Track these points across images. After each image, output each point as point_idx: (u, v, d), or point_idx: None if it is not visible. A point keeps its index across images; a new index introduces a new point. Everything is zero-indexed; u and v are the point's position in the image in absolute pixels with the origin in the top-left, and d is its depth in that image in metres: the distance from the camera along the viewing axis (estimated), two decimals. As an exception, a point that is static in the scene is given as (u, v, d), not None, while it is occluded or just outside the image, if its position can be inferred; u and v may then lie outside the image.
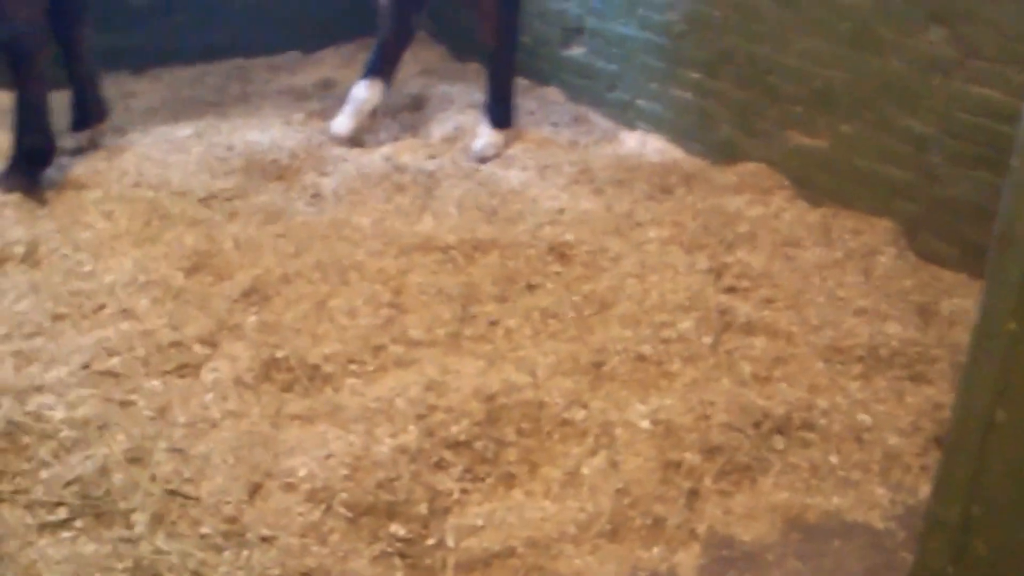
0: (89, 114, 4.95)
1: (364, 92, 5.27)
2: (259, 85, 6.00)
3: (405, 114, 5.69)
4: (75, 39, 4.79)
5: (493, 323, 3.75)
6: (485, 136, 5.17)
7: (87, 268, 3.94)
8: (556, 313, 3.80)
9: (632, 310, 3.81)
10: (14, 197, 4.39)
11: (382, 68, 5.33)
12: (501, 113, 5.21)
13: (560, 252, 4.17)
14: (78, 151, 4.91)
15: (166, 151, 4.94)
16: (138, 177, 4.64)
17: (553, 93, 6.01)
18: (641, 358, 3.57)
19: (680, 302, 3.84)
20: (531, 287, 3.97)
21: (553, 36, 5.95)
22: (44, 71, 4.46)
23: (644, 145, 5.39)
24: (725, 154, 5.09)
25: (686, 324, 3.73)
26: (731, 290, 4.01)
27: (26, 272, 3.91)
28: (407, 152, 5.14)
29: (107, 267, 3.94)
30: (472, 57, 6.33)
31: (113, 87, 5.70)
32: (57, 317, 3.68)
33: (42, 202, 4.42)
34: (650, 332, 3.68)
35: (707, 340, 3.67)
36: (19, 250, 4.01)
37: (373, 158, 5.04)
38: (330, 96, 5.81)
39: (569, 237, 4.25)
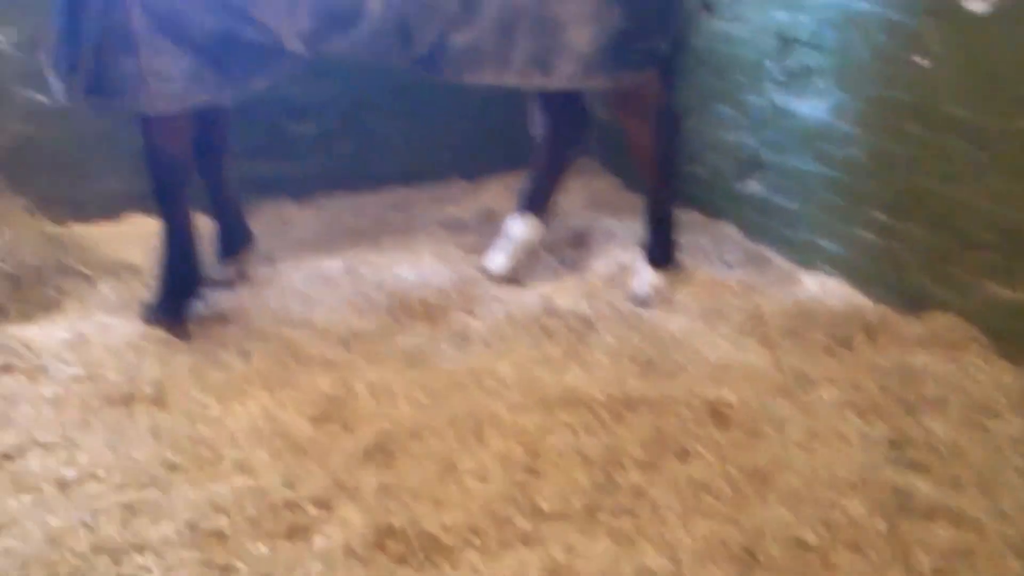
0: (235, 243, 4.83)
1: (519, 228, 5.02)
2: (418, 216, 5.81)
3: (566, 249, 5.40)
4: (218, 168, 4.68)
5: (636, 495, 3.36)
6: (645, 277, 4.83)
7: (212, 413, 3.75)
8: (709, 486, 3.40)
9: (795, 486, 3.38)
10: (156, 331, 4.25)
11: (537, 202, 5.08)
12: (663, 252, 4.87)
13: (719, 413, 3.77)
14: (225, 282, 4.77)
15: (313, 285, 4.77)
16: (281, 313, 4.48)
17: (728, 229, 5.63)
18: (802, 545, 3.14)
19: (851, 479, 3.39)
20: (683, 454, 3.58)
21: (727, 169, 5.60)
22: (189, 202, 4.35)
23: (824, 289, 4.95)
24: (912, 303, 4.62)
25: (856, 505, 3.28)
26: (912, 466, 3.53)
27: (151, 414, 3.75)
28: (563, 292, 4.84)
29: (233, 412, 3.74)
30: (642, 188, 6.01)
31: (272, 215, 5.63)
32: (173, 467, 3.49)
33: (183, 336, 4.28)
34: (814, 514, 3.25)
35: (880, 526, 3.21)
36: (148, 390, 3.86)
37: (526, 298, 4.76)
38: (489, 228, 5.56)
39: (730, 396, 3.85)
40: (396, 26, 4.13)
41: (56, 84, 4.03)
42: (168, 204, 4.35)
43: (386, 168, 6.05)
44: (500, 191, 6.21)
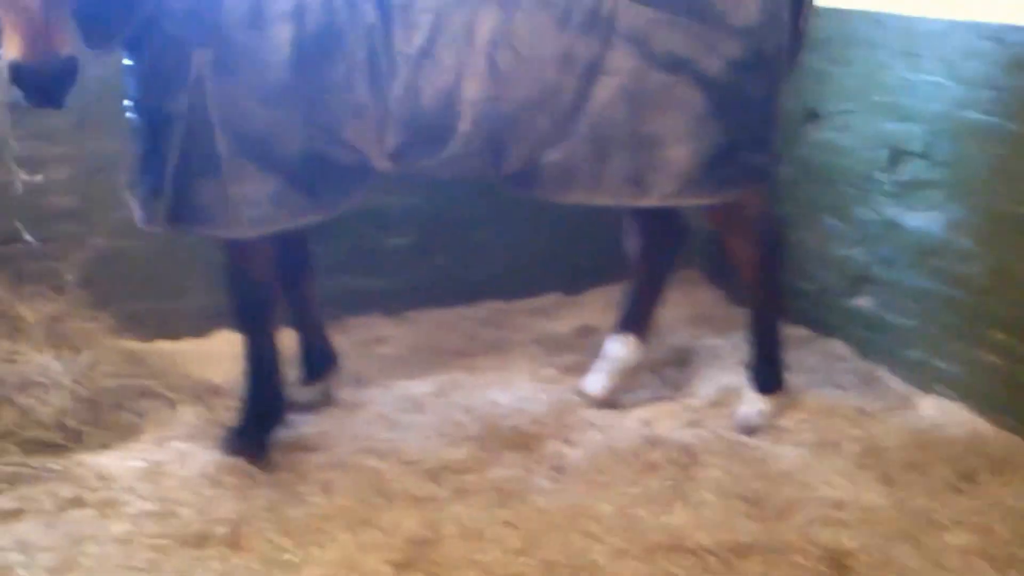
0: (320, 365, 4.67)
1: (618, 349, 4.78)
2: (513, 332, 5.61)
3: (668, 369, 5.14)
4: (302, 288, 4.55)
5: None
6: (751, 403, 4.54)
7: (287, 556, 3.54)
8: (827, 650, 3.09)
9: (925, 652, 3.06)
10: (235, 462, 4.08)
11: (635, 321, 4.84)
12: (769, 376, 4.58)
13: (837, 562, 3.48)
14: (309, 406, 4.60)
15: (402, 410, 4.59)
16: (366, 441, 4.29)
17: (838, 347, 5.33)
18: None
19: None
20: (799, 610, 3.28)
21: (837, 284, 5.32)
22: (273, 325, 4.20)
23: (943, 415, 4.62)
24: (1041, 432, 4.29)
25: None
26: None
27: (224, 558, 3.55)
28: (665, 418, 4.58)
29: (311, 557, 3.53)
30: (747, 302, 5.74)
31: (363, 331, 5.49)
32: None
33: (263, 467, 4.09)
34: None
35: None
36: (223, 530, 3.67)
37: (626, 424, 4.52)
38: (588, 345, 5.34)
39: (849, 542, 3.55)
40: (487, 144, 3.97)
41: (137, 209, 3.92)
42: (251, 328, 4.19)
43: (480, 281, 5.87)
44: (599, 305, 5.98)
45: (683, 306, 5.76)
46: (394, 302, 5.70)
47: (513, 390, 4.79)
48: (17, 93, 3.34)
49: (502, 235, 5.85)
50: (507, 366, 5.13)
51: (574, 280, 6.08)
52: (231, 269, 4.10)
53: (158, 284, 5.22)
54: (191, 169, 3.78)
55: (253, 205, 3.83)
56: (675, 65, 3.93)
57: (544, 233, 5.89)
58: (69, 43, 3.31)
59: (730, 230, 4.45)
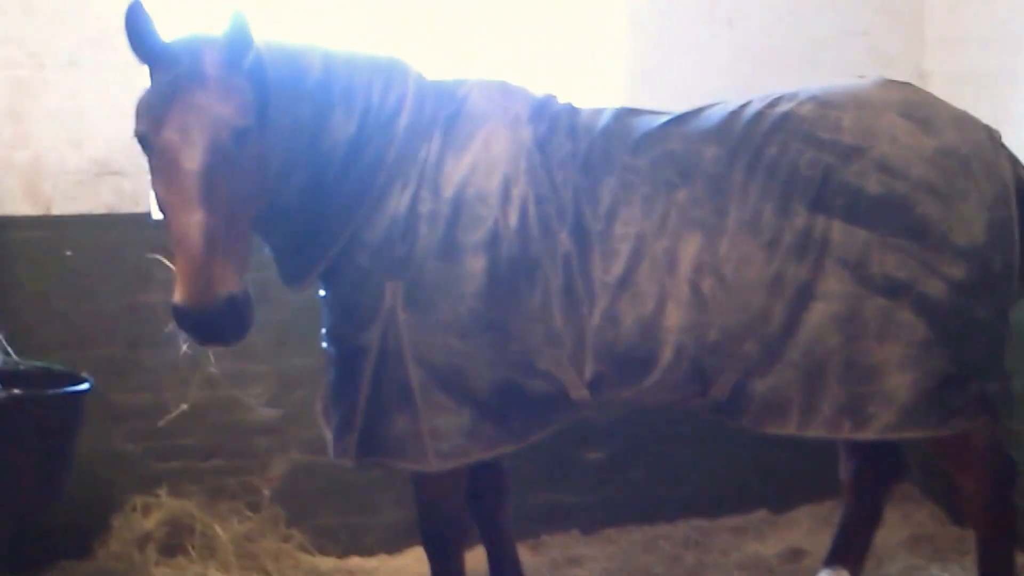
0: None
1: (829, 583, 4.42)
2: (718, 555, 5.28)
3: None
4: (495, 514, 4.36)
5: None
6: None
7: None
8: None
9: None
10: None
11: (848, 552, 4.48)
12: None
13: None
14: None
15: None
16: None
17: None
18: None
19: None
20: None
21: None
22: (462, 564, 4.03)
23: None
24: None
25: None
26: None
27: None
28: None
29: None
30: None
31: (558, 550, 5.28)
32: None
33: None
34: None
35: None
36: None
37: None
38: (796, 573, 4.98)
39: None
40: (691, 372, 3.76)
41: (329, 440, 3.85)
42: (441, 558, 4.03)
43: (681, 498, 5.59)
44: (808, 524, 5.63)
45: (899, 526, 5.35)
46: (591, 519, 5.47)
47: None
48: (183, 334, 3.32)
49: (703, 449, 5.57)
50: (710, 596, 4.81)
51: (781, 497, 5.73)
52: (422, 501, 3.97)
53: (351, 499, 5.16)
54: (383, 402, 3.70)
55: (445, 438, 3.71)
56: (894, 289, 3.67)
57: (748, 446, 5.56)
58: (232, 283, 3.24)
59: (956, 463, 4.08)
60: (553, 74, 5.42)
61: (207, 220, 3.20)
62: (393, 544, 5.20)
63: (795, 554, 5.26)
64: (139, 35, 3.33)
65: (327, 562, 5.00)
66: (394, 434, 3.72)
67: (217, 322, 3.24)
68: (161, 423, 4.79)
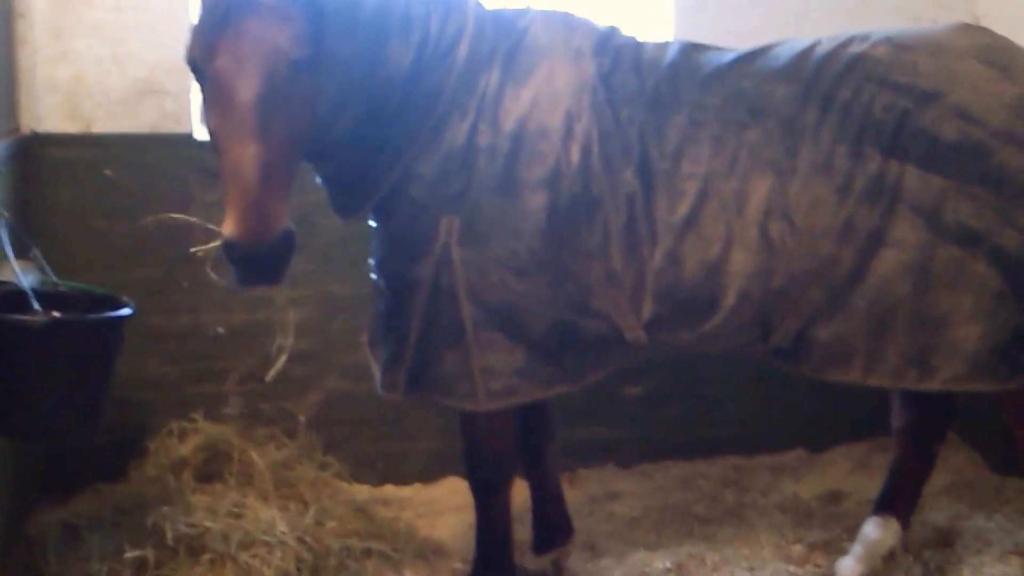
0: (553, 536, 4.36)
1: (876, 532, 4.34)
2: (756, 495, 5.21)
3: (928, 551, 4.64)
4: (541, 458, 4.27)
5: None
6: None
7: None
8: None
9: None
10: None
11: (898, 503, 4.41)
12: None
13: None
14: None
15: (637, 593, 4.25)
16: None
17: None
18: None
19: None
20: None
21: None
22: (508, 501, 3.96)
23: None
24: None
25: None
26: None
27: None
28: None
29: None
30: (1016, 471, 5.20)
31: (597, 485, 5.23)
32: None
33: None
34: None
35: None
36: None
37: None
38: (838, 518, 4.91)
39: None
40: (754, 317, 3.66)
41: (377, 373, 3.76)
42: (486, 500, 3.97)
43: (720, 435, 5.53)
44: (847, 465, 5.56)
45: (940, 472, 5.21)
46: (628, 454, 5.42)
47: (760, 571, 4.38)
48: (231, 273, 3.18)
49: (743, 387, 5.50)
50: (751, 537, 4.72)
51: (819, 436, 5.66)
52: (469, 442, 3.89)
53: (389, 428, 5.09)
54: (434, 338, 3.61)
55: (497, 377, 3.62)
56: (967, 239, 3.54)
57: (787, 385, 5.45)
58: (286, 218, 3.14)
59: (1018, 418, 3.98)
60: (605, 3, 5.25)
61: (262, 153, 3.08)
62: (429, 474, 5.16)
63: (835, 496, 5.21)
64: None
65: (363, 490, 4.96)
66: (444, 371, 3.64)
67: (271, 258, 3.13)
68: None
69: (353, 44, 3.44)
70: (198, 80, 3.24)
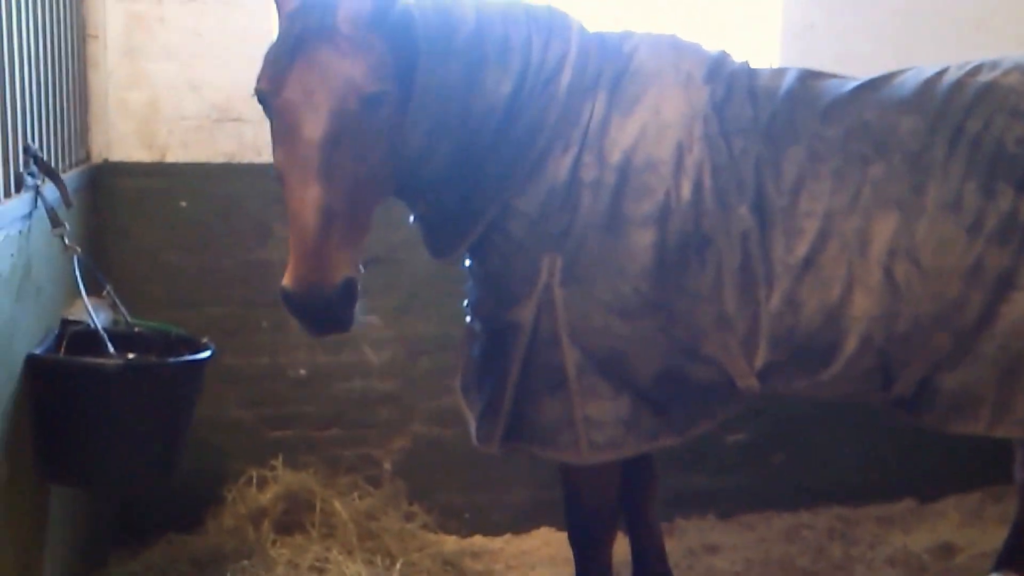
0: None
1: (1000, 588, 4.04)
2: (864, 548, 4.91)
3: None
4: (644, 511, 4.01)
5: None
6: None
7: None
8: None
9: None
10: None
11: (1020, 559, 4.10)
12: None
13: None
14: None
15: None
16: None
17: None
18: None
19: None
20: None
21: None
22: (610, 557, 3.70)
23: None
24: None
25: None
26: None
27: None
28: None
29: None
30: None
31: (695, 537, 4.98)
32: None
33: None
34: None
35: None
36: None
37: None
38: (951, 573, 4.60)
39: None
40: (876, 364, 3.39)
41: (472, 423, 3.52)
42: (588, 555, 3.70)
43: (824, 484, 5.23)
44: (959, 517, 5.26)
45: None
46: (729, 503, 5.15)
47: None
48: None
49: (849, 433, 5.21)
50: (861, 598, 4.45)
51: (929, 485, 5.35)
52: (570, 491, 3.63)
53: (478, 475, 4.84)
54: (533, 385, 3.36)
55: (600, 427, 3.37)
56: (1102, 283, 3.26)
57: (894, 432, 5.17)
58: (348, 267, 2.93)
59: None
60: (706, 27, 5.02)
61: (325, 195, 2.87)
62: (520, 524, 4.91)
63: (947, 550, 4.89)
64: None
65: (450, 541, 4.75)
66: (544, 420, 3.39)
67: (329, 310, 2.93)
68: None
69: (448, 73, 3.19)
70: (266, 113, 3.04)
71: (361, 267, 3.04)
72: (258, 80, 3.02)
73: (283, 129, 2.97)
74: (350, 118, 2.93)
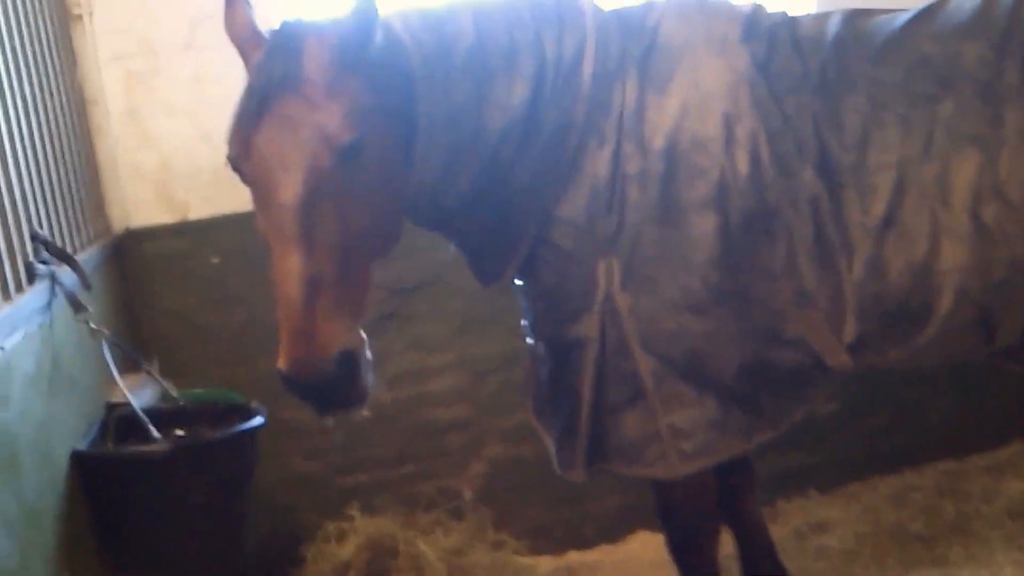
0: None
1: None
2: (978, 502, 4.64)
3: None
4: (744, 510, 3.76)
5: None
6: None
7: None
8: None
9: None
10: None
11: None
12: None
13: None
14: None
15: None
16: None
17: None
18: None
19: None
20: None
21: None
22: (715, 560, 3.44)
23: None
24: None
25: None
26: None
27: None
28: None
29: None
30: None
31: (799, 516, 4.76)
32: None
33: None
34: None
35: None
36: None
37: None
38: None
39: None
40: (975, 318, 3.10)
41: (552, 450, 3.27)
42: (691, 563, 3.45)
43: (925, 441, 4.98)
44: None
45: None
46: (829, 476, 4.91)
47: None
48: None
49: (943, 383, 4.96)
50: (986, 557, 4.20)
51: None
52: (664, 504, 3.38)
53: (563, 490, 4.51)
54: (610, 401, 3.11)
55: (688, 435, 3.10)
56: None
57: (992, 374, 4.84)
58: (344, 337, 2.64)
59: None
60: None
61: (307, 264, 2.59)
62: (615, 532, 4.72)
63: (1072, 491, 4.60)
64: (234, 27, 2.82)
65: (545, 562, 4.58)
66: (627, 437, 3.13)
67: (329, 388, 2.67)
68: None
69: (452, 96, 2.92)
70: (241, 179, 2.77)
71: (363, 334, 2.75)
72: (227, 144, 2.75)
73: (258, 195, 2.71)
74: (326, 175, 2.64)
